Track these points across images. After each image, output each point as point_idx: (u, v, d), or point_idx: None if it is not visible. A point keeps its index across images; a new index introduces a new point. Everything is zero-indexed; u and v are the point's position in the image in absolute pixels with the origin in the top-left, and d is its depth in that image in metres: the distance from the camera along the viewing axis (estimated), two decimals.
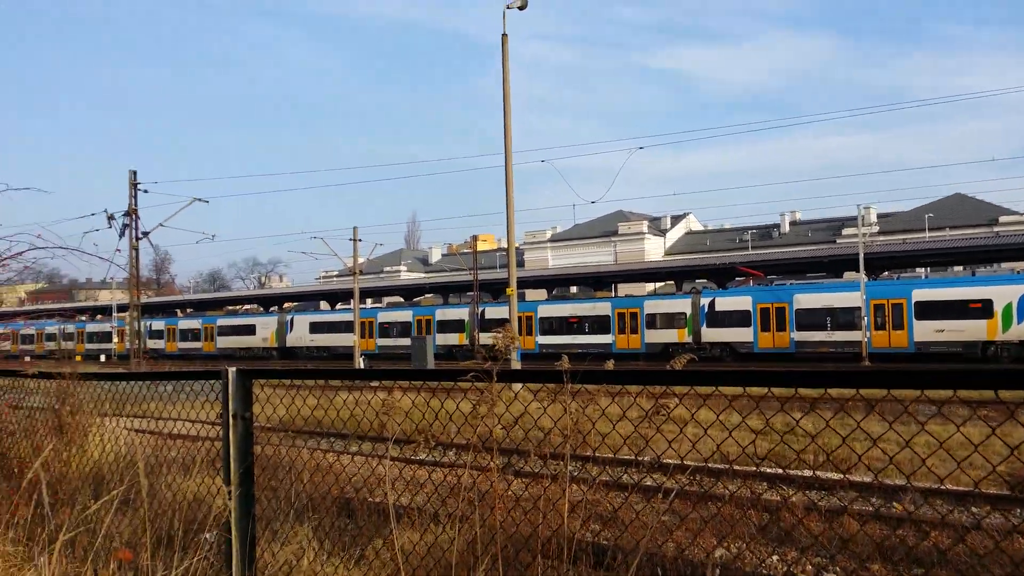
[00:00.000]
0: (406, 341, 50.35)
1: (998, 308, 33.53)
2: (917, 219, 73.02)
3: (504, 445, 4.17)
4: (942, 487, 8.76)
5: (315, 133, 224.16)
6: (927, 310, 35.45)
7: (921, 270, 45.79)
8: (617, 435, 3.88)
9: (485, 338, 48.33)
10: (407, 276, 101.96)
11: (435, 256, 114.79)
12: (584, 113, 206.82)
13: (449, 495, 6.73)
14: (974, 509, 9.18)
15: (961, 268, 44.51)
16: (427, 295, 63.26)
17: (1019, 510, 9.02)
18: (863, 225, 43.97)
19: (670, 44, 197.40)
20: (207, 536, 5.56)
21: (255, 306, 73.95)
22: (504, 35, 24.63)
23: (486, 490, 4.19)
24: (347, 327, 53.51)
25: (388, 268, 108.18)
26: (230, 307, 75.32)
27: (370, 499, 7.74)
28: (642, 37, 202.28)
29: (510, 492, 4.39)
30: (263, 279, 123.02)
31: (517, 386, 4.44)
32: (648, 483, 10.06)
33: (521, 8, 23.61)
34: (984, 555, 6.59)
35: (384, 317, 56.17)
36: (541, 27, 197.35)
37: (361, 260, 49.06)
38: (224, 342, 64.15)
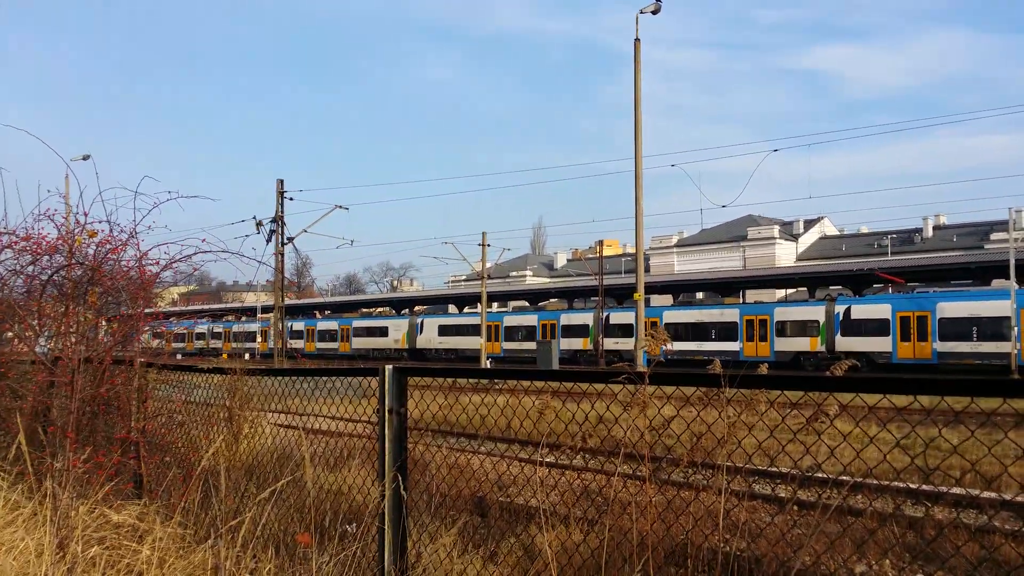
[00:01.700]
0: (531, 345, 50.74)
1: None
2: None
3: (653, 451, 4.16)
4: None
5: (448, 141, 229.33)
6: None
7: None
8: (760, 442, 3.80)
9: (610, 343, 48.11)
10: (532, 281, 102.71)
11: (560, 261, 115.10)
12: (718, 117, 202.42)
13: (596, 498, 6.77)
14: None
15: None
16: (552, 300, 63.56)
17: None
18: (1014, 229, 41.03)
19: (808, 44, 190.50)
20: (349, 528, 5.80)
21: (388, 309, 76.32)
22: (637, 39, 24.53)
23: (636, 492, 4.19)
24: (474, 330, 54.44)
25: (514, 273, 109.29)
26: (364, 309, 78.02)
27: (502, 498, 7.86)
28: (779, 37, 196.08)
29: (660, 498, 4.37)
30: (395, 283, 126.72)
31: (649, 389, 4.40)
32: (800, 496, 9.75)
33: (655, 12, 23.42)
34: None
35: (510, 321, 56.80)
36: (676, 32, 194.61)
37: (489, 265, 49.86)
38: (358, 343, 66.51)
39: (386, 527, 4.45)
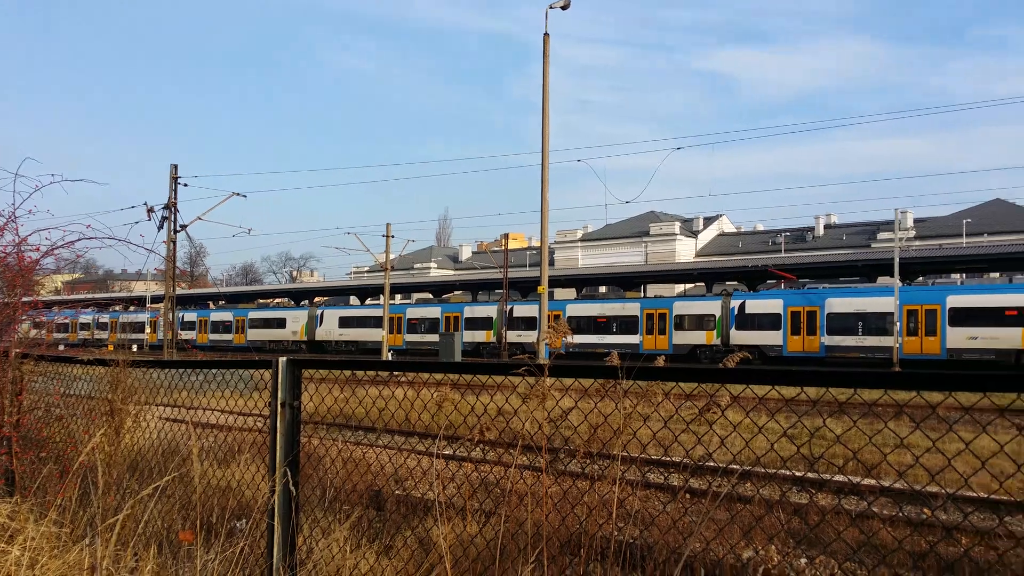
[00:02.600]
0: (434, 337, 50.51)
1: None
2: (954, 224, 71.88)
3: (551, 443, 4.16)
4: (971, 494, 8.60)
5: (353, 130, 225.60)
6: (961, 317, 34.88)
7: (957, 276, 45.00)
8: (654, 432, 3.85)
9: (513, 336, 48.41)
10: (437, 273, 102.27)
11: (465, 254, 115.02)
12: (625, 114, 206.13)
13: (493, 489, 6.74)
14: (1007, 518, 9.01)
15: (998, 275, 43.67)
16: (456, 292, 63.42)
17: None
18: (899, 230, 43.35)
19: (713, 46, 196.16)
20: (238, 524, 5.61)
21: (286, 300, 74.60)
22: (546, 34, 24.60)
23: (533, 483, 4.18)
24: (376, 322, 53.83)
25: (419, 265, 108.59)
26: (261, 300, 76.01)
27: (399, 492, 7.76)
28: (685, 38, 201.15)
29: (556, 489, 4.38)
30: (295, 273, 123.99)
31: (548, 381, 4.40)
32: (691, 485, 9.99)
33: (564, 8, 23.54)
34: (1013, 562, 6.46)
35: (413, 313, 56.41)
36: (585, 29, 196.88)
37: (392, 256, 49.30)
38: (255, 335, 64.80)
39: (276, 523, 4.32)
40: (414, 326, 55.48)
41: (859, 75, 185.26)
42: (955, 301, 35.26)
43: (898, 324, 35.91)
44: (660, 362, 4.02)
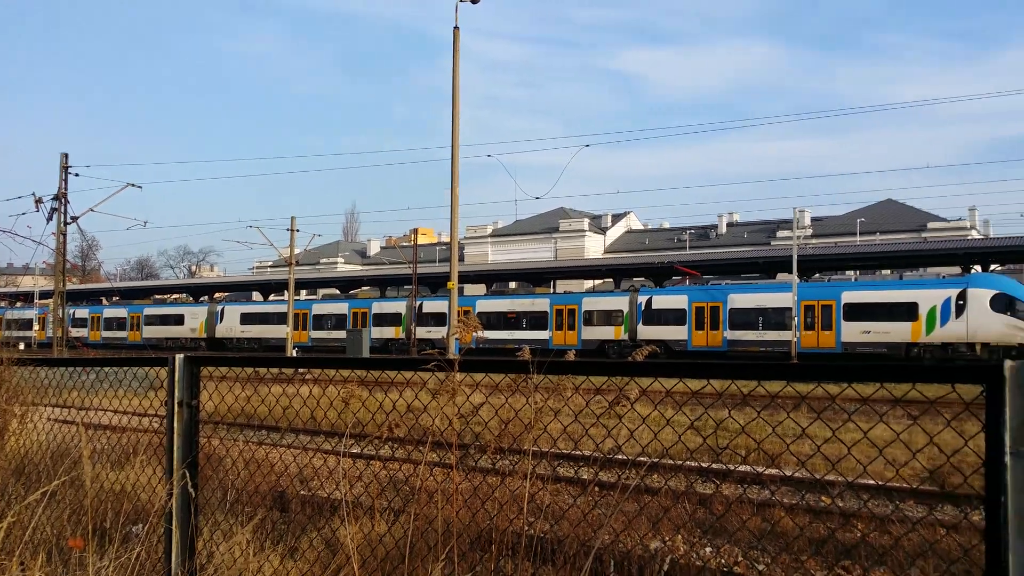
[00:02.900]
0: (341, 334, 49.75)
1: (923, 311, 34.70)
2: (849, 223, 75.21)
3: (462, 439, 4.11)
4: (868, 481, 8.99)
5: (256, 121, 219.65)
6: (855, 312, 36.48)
7: (851, 273, 47.12)
8: (564, 427, 3.85)
9: (422, 332, 48.13)
10: (344, 268, 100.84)
11: (373, 249, 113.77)
12: (534, 110, 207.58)
13: (402, 487, 6.64)
14: (898, 502, 9.44)
15: (889, 272, 45.94)
16: (364, 288, 62.61)
17: (943, 505, 9.31)
18: (797, 228, 45.08)
19: (622, 45, 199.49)
20: (134, 529, 5.36)
21: (185, 296, 72.20)
22: (456, 28, 24.48)
23: (443, 480, 4.12)
24: (280, 319, 52.59)
25: (325, 260, 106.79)
26: (158, 296, 73.33)
27: (305, 492, 7.57)
28: (594, 36, 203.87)
29: (466, 485, 4.33)
30: (194, 268, 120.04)
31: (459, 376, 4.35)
32: (601, 478, 10.10)
33: (474, 2, 23.47)
34: (906, 546, 6.77)
35: (319, 309, 55.39)
36: (495, 25, 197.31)
37: (298, 251, 48.29)
38: (151, 332, 62.47)
39: (174, 527, 4.14)
40: (320, 322, 54.50)
41: (759, 77, 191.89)
42: (849, 297, 36.84)
43: (796, 319, 37.31)
44: (570, 356, 4.02)
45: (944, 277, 36.93)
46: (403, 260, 62.74)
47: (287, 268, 48.13)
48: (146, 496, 5.23)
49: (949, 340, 34.24)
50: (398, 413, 4.10)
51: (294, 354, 45.97)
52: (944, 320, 34.25)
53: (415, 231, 58.96)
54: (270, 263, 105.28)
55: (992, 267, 42.09)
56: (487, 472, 4.42)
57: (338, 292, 65.32)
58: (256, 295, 72.55)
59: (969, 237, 65.97)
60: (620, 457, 9.64)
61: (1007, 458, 2.43)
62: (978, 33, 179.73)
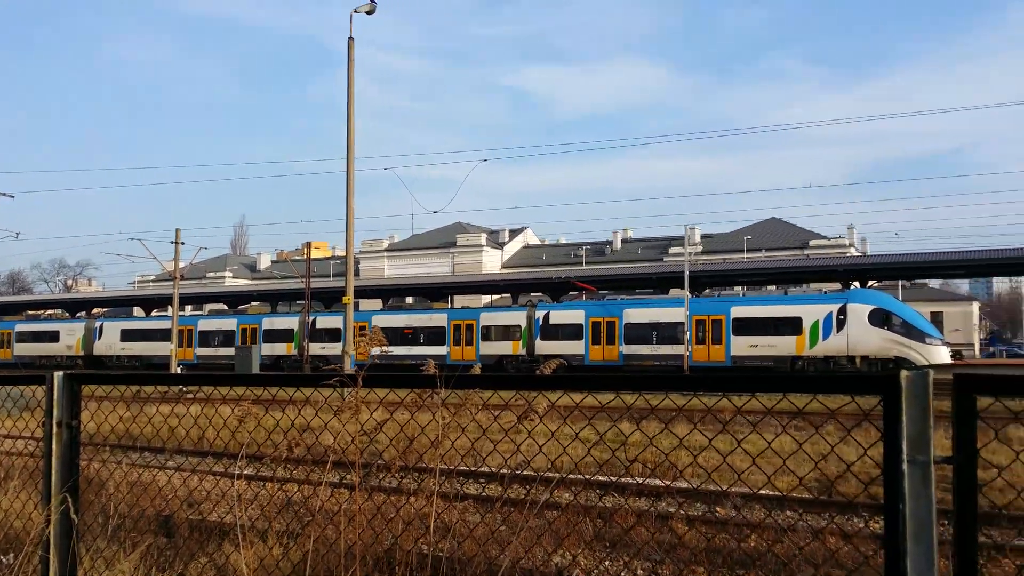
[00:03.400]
0: (229, 351, 48.15)
1: (806, 325, 36.27)
2: (737, 240, 78.02)
3: (364, 457, 3.96)
4: (760, 492, 9.24)
5: (144, 130, 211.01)
6: (743, 326, 37.80)
7: (739, 288, 48.86)
8: (472, 442, 3.77)
9: (316, 348, 47.04)
10: (233, 282, 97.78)
11: (264, 262, 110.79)
12: (432, 124, 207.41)
13: (300, 509, 6.39)
14: (788, 512, 9.73)
15: (775, 287, 47.86)
16: (254, 303, 60.74)
17: (831, 513, 9.67)
18: (688, 245, 46.52)
19: (521, 62, 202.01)
20: (5, 559, 4.99)
21: (60, 311, 68.37)
22: (351, 38, 24.18)
23: (344, 501, 3.96)
24: (164, 335, 50.38)
25: (212, 274, 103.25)
26: (31, 312, 69.22)
27: (194, 516, 7.22)
28: (494, 52, 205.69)
29: (369, 505, 4.17)
30: (70, 282, 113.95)
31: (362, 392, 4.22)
32: (502, 494, 10.01)
33: (369, 13, 23.24)
34: (798, 554, 6.98)
35: (205, 325, 53.41)
36: (394, 38, 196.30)
37: (183, 265, 46.48)
38: (23, 349, 58.84)
39: (51, 555, 3.86)
40: (207, 339, 52.52)
41: (654, 97, 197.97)
42: (738, 312, 38.16)
43: (688, 333, 38.37)
44: (476, 370, 3.95)
45: (825, 293, 38.75)
46: (295, 274, 61.22)
47: (171, 282, 46.28)
48: (20, 523, 4.85)
49: (831, 353, 35.86)
50: (296, 432, 3.92)
51: (178, 372, 44.15)
52: (826, 334, 35.89)
53: (308, 245, 57.45)
54: (153, 277, 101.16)
55: (870, 283, 44.46)
56: (391, 491, 4.29)
57: (226, 307, 63.14)
58: (138, 311, 69.37)
59: (848, 254, 69.66)
60: (528, 473, 9.60)
61: (904, 466, 2.49)
62: (859, 59, 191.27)
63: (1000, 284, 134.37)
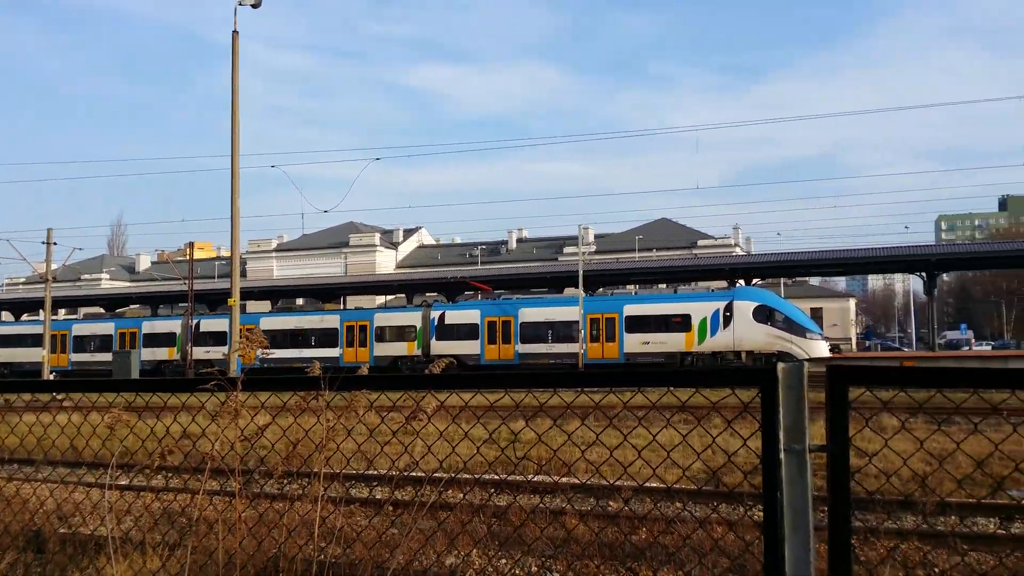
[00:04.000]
0: (107, 356, 45.94)
1: (695, 323, 37.45)
2: (629, 241, 79.81)
3: (245, 464, 3.80)
4: (658, 485, 9.43)
5: (13, 125, 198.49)
6: (635, 324, 38.71)
7: (632, 287, 49.96)
8: (359, 444, 3.69)
9: (200, 352, 45.36)
10: (110, 285, 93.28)
11: (143, 264, 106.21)
12: (322, 122, 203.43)
13: (178, 519, 6.10)
14: (678, 504, 9.97)
15: (665, 286, 49.20)
16: (133, 306, 58.11)
17: (716, 502, 9.97)
18: (582, 244, 47.29)
19: (414, 60, 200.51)
20: None
21: None
22: (235, 32, 23.37)
23: (224, 509, 3.79)
24: (35, 340, 47.61)
25: (87, 276, 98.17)
26: None
27: (64, 530, 6.82)
28: (386, 51, 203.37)
29: (251, 513, 4.00)
30: None
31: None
32: (391, 496, 9.87)
33: (255, 6, 22.54)
34: (684, 545, 7.17)
35: (80, 329, 50.77)
36: (284, 33, 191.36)
37: (55, 266, 44.03)
38: None
39: None
40: (82, 344, 49.91)
41: (549, 99, 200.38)
42: (630, 310, 39.04)
43: (583, 332, 39.00)
44: (363, 371, 3.85)
45: (713, 291, 40.13)
46: (177, 276, 58.85)
47: (43, 285, 43.76)
48: None
49: (718, 349, 37.13)
50: (172, 439, 3.73)
51: (51, 379, 41.80)
52: (714, 330, 37.14)
53: (191, 245, 55.29)
54: (23, 280, 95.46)
55: (754, 281, 46.36)
56: (274, 497, 4.13)
57: (103, 311, 60.15)
58: (6, 315, 65.27)
59: (734, 254, 72.37)
60: (419, 474, 9.48)
61: (781, 455, 2.56)
62: (743, 68, 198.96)
63: (875, 281, 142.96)
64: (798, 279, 72.80)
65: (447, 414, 3.47)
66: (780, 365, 2.58)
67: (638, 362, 38.23)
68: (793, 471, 2.56)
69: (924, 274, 43.21)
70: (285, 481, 3.83)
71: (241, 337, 3.97)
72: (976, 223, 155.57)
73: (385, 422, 3.45)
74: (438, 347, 41.58)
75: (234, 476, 3.63)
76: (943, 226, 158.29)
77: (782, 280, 68.13)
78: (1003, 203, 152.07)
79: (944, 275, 64.19)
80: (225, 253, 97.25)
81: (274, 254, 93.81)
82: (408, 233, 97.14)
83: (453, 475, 8.21)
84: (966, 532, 8.35)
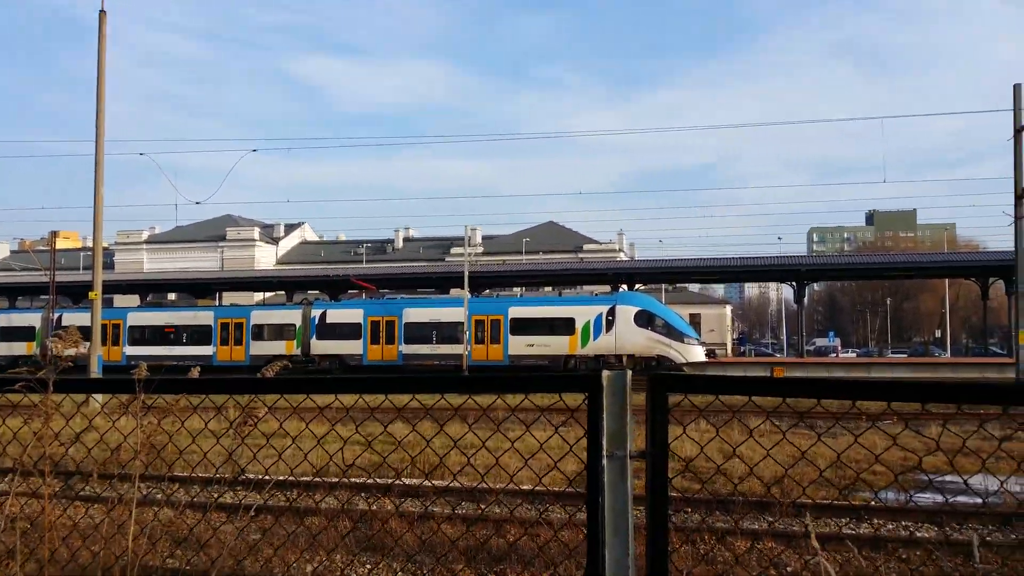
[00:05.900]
0: None
1: (579, 326, 37.97)
2: (516, 243, 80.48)
3: (64, 467, 3.55)
4: (519, 487, 9.46)
5: None
6: (520, 326, 38.94)
7: (518, 289, 50.28)
8: (200, 450, 3.50)
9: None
10: None
11: (2, 252, 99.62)
12: (199, 111, 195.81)
13: None
14: (538, 506, 10.05)
15: (551, 289, 49.79)
16: None
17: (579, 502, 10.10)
18: (469, 245, 47.28)
19: (301, 52, 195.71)
20: None
21: None
22: (103, 11, 22.18)
23: (36, 516, 3.53)
24: None
25: None
26: None
27: None
28: (272, 40, 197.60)
29: (67, 518, 3.74)
30: None
31: (96, 400, 3.80)
32: (234, 500, 9.54)
33: None
34: (544, 546, 7.24)
35: None
36: (161, 16, 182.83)
37: None
38: None
39: None
40: None
41: (440, 97, 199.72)
42: (516, 312, 39.22)
43: (468, 333, 38.95)
44: (194, 373, 3.65)
45: (596, 295, 40.82)
46: (39, 267, 55.39)
47: None
48: None
49: (601, 352, 37.79)
50: None
51: None
52: (596, 334, 37.78)
53: (54, 234, 52.12)
54: None
55: (637, 286, 47.53)
56: (92, 501, 3.89)
57: None
58: None
59: (618, 259, 74.06)
60: (266, 478, 9.19)
61: (604, 461, 2.59)
62: (630, 76, 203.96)
63: (751, 289, 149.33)
64: (678, 285, 75.17)
65: (325, 419, 3.34)
66: (604, 372, 2.60)
67: (523, 364, 38.49)
68: (615, 476, 2.59)
69: (795, 283, 45.40)
70: (106, 486, 3.60)
71: (54, 333, 3.71)
72: (845, 236, 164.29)
73: (208, 427, 3.29)
74: (319, 347, 40.70)
75: (45, 480, 3.39)
76: (815, 238, 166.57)
77: (663, 286, 70.18)
78: (870, 217, 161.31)
79: (814, 284, 67.58)
80: (91, 243, 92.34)
81: (145, 246, 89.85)
82: (290, 228, 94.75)
83: (310, 479, 7.99)
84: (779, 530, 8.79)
